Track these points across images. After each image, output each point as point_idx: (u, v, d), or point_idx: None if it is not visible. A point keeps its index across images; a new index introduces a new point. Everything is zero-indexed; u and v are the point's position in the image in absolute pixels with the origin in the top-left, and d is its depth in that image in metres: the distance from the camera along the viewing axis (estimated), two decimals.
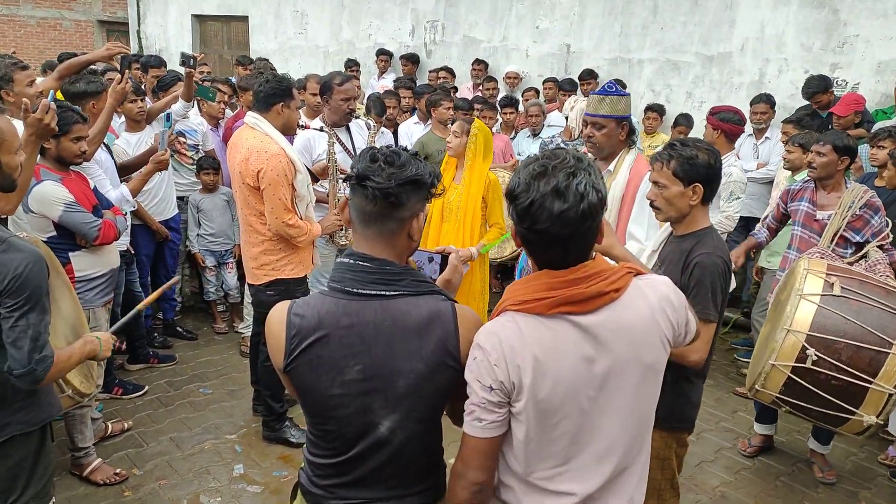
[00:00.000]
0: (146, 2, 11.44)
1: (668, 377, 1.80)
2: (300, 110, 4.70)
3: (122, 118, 4.51)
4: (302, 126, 4.21)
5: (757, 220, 5.17)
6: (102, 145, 3.74)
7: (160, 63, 5.63)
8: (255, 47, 10.03)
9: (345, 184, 1.60)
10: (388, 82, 7.87)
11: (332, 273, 1.56)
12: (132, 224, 4.04)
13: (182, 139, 4.91)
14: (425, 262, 1.84)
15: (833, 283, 2.59)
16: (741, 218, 4.55)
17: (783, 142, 4.98)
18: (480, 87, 7.17)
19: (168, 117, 4.69)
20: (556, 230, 1.39)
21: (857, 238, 3.44)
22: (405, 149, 1.57)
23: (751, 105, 5.55)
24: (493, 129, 5.89)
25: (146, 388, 4.18)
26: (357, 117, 4.19)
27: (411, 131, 6.00)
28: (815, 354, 2.49)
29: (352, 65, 8.11)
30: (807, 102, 5.74)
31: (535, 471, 1.48)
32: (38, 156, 2.83)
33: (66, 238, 3.10)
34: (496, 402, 1.43)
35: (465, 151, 3.94)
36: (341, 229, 3.97)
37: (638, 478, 1.56)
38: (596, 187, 1.41)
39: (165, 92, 4.95)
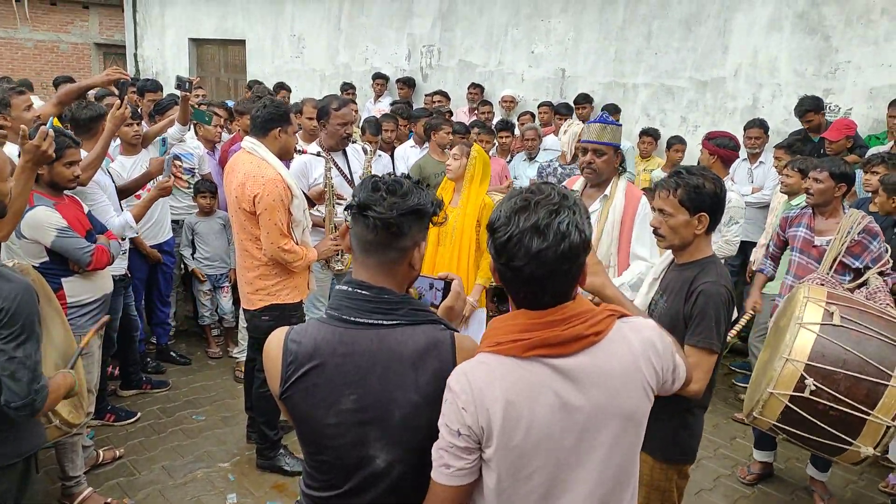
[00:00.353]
0: (143, 25, 11.52)
1: (669, 409, 1.79)
2: (296, 134, 4.72)
3: (118, 141, 4.51)
4: (299, 151, 4.22)
5: (753, 244, 5.19)
6: (103, 170, 3.74)
7: (156, 87, 5.65)
8: (251, 70, 10.09)
9: (345, 212, 1.58)
10: (384, 106, 7.92)
11: (331, 300, 1.54)
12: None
13: (178, 163, 4.90)
14: (426, 289, 1.82)
15: (833, 313, 2.58)
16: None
17: (776, 167, 5.02)
18: (476, 111, 7.21)
19: (163, 142, 4.69)
20: (533, 269, 1.32)
21: (857, 264, 3.42)
22: (408, 176, 1.56)
23: (745, 130, 5.58)
24: (490, 153, 5.91)
25: (138, 414, 4.13)
26: (354, 141, 4.19)
27: (408, 155, 6.01)
28: (814, 384, 2.47)
29: (348, 88, 8.16)
30: (799, 127, 5.80)
31: None
32: None
33: (59, 263, 3.07)
34: (464, 447, 1.36)
35: (464, 174, 3.95)
36: (337, 254, 3.95)
37: None
38: (579, 227, 1.34)
39: (162, 116, 4.96)
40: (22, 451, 2.02)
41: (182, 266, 5.31)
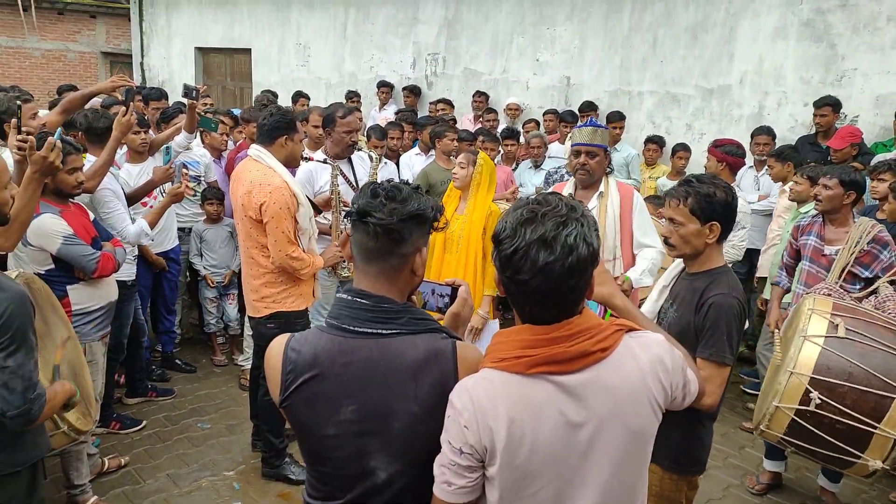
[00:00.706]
0: (149, 34, 11.60)
1: (680, 420, 1.76)
2: (302, 142, 4.73)
3: (124, 149, 4.52)
4: (305, 158, 4.22)
5: (757, 251, 5.17)
6: (113, 178, 3.75)
7: (161, 95, 5.67)
8: (257, 79, 10.14)
9: (345, 219, 1.57)
10: (389, 114, 7.93)
11: (331, 309, 1.53)
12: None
13: (185, 170, 4.91)
14: (429, 295, 1.80)
15: (837, 325, 2.56)
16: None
17: (770, 175, 4.99)
18: (481, 119, 7.21)
19: (168, 150, 4.70)
20: (539, 283, 1.28)
21: (867, 273, 3.38)
22: (406, 182, 1.55)
23: (752, 137, 5.58)
24: (495, 161, 5.91)
25: (144, 422, 4.12)
26: (359, 149, 4.19)
27: (413, 162, 6.01)
28: (819, 398, 2.45)
29: (353, 96, 8.18)
30: (805, 133, 5.78)
31: None
32: None
33: (64, 271, 3.07)
34: (465, 465, 1.33)
35: (470, 182, 3.95)
36: (343, 261, 3.95)
37: None
38: (587, 240, 1.30)
39: (168, 123, 4.97)
40: (26, 459, 2.01)
41: (187, 274, 5.32)
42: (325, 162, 4.08)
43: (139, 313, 4.26)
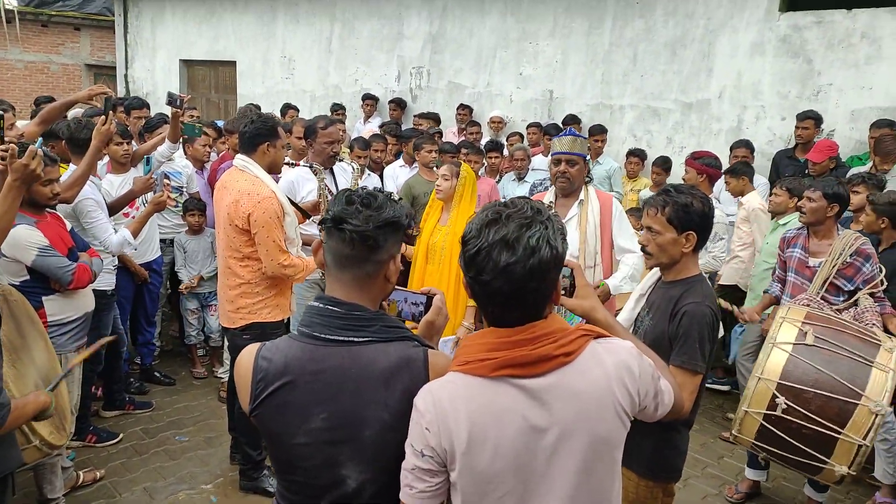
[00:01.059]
0: (134, 46, 11.58)
1: (654, 426, 1.77)
2: (285, 149, 4.73)
3: (105, 159, 4.50)
4: (291, 164, 4.22)
5: None
6: (96, 188, 3.73)
7: (142, 104, 5.66)
8: (242, 91, 10.14)
9: (319, 227, 1.57)
10: (374, 126, 7.96)
11: (303, 317, 1.52)
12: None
13: (166, 181, 4.89)
14: (403, 303, 1.80)
15: (807, 332, 2.62)
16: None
17: (728, 191, 5.01)
18: (465, 132, 7.26)
19: (148, 160, 4.69)
20: (500, 284, 1.27)
21: (849, 286, 3.39)
22: (380, 191, 1.55)
23: (731, 150, 5.66)
24: (479, 173, 5.95)
25: (120, 435, 4.06)
26: (341, 160, 4.21)
27: (397, 174, 6.04)
28: (785, 403, 2.50)
29: (338, 109, 8.20)
30: (783, 147, 5.88)
31: None
32: None
33: (40, 282, 3.05)
34: (426, 469, 1.33)
35: (453, 194, 3.97)
36: None
37: None
38: (551, 242, 1.29)
39: (151, 134, 4.96)
40: None
41: (168, 285, 5.28)
42: (311, 168, 4.08)
43: (118, 323, 4.22)
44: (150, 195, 4.09)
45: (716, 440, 4.44)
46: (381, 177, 6.04)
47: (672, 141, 6.67)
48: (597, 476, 1.35)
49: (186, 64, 11.05)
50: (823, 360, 2.53)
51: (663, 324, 2.21)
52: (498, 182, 6.34)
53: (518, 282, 1.27)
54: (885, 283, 3.37)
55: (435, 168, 4.89)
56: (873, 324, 3.12)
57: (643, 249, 2.35)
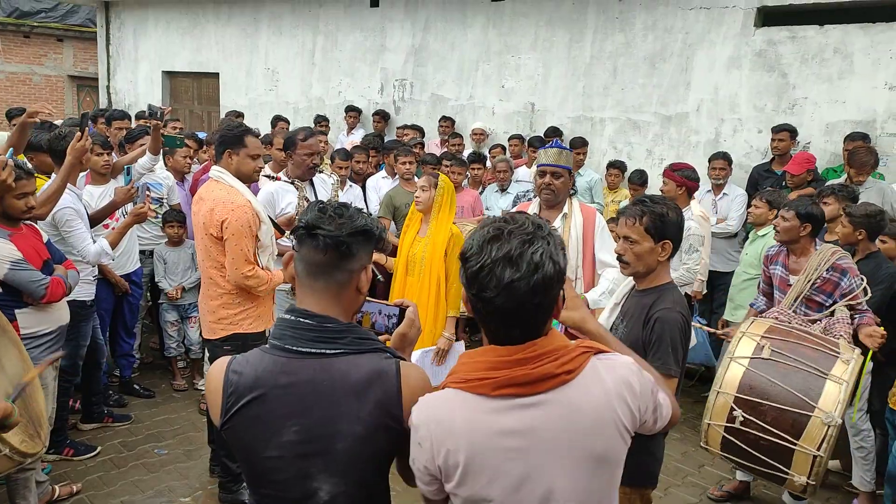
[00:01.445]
0: (116, 58, 11.54)
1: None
2: (267, 164, 4.74)
3: (87, 170, 4.47)
4: (272, 177, 4.22)
5: (718, 273, 5.31)
6: (76, 197, 3.70)
7: (123, 116, 5.64)
8: (225, 103, 10.13)
9: (290, 236, 1.57)
10: (356, 138, 7.99)
11: (274, 330, 1.52)
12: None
13: (147, 192, 4.87)
14: (377, 315, 1.81)
15: (763, 346, 2.69)
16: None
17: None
18: (447, 144, 7.31)
19: (128, 171, 4.67)
20: (503, 301, 1.26)
21: (829, 301, 3.36)
22: (351, 204, 1.57)
23: (709, 162, 5.75)
24: (463, 185, 5.99)
25: (98, 448, 4.01)
26: (321, 171, 4.22)
27: (380, 185, 6.06)
28: (743, 415, 2.57)
29: (321, 120, 8.22)
30: (761, 161, 5.98)
31: None
32: None
33: (12, 295, 3.02)
34: (425, 477, 1.37)
35: (432, 205, 3.99)
36: None
37: None
38: (554, 258, 1.29)
39: (132, 145, 4.94)
40: None
41: (148, 297, 5.25)
42: (293, 184, 4.09)
43: (98, 334, 4.18)
44: (130, 206, 4.08)
45: (697, 449, 4.46)
46: (363, 188, 6.06)
47: (652, 153, 6.75)
48: (596, 493, 1.35)
49: (169, 75, 11.03)
50: (779, 374, 2.59)
51: (637, 331, 2.25)
52: (481, 193, 6.38)
53: (521, 298, 1.27)
54: (869, 293, 3.35)
55: (414, 178, 4.92)
56: (841, 335, 3.15)
57: (619, 258, 2.39)
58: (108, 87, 11.72)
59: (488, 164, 6.74)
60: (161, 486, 3.71)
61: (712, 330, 4.34)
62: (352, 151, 5.95)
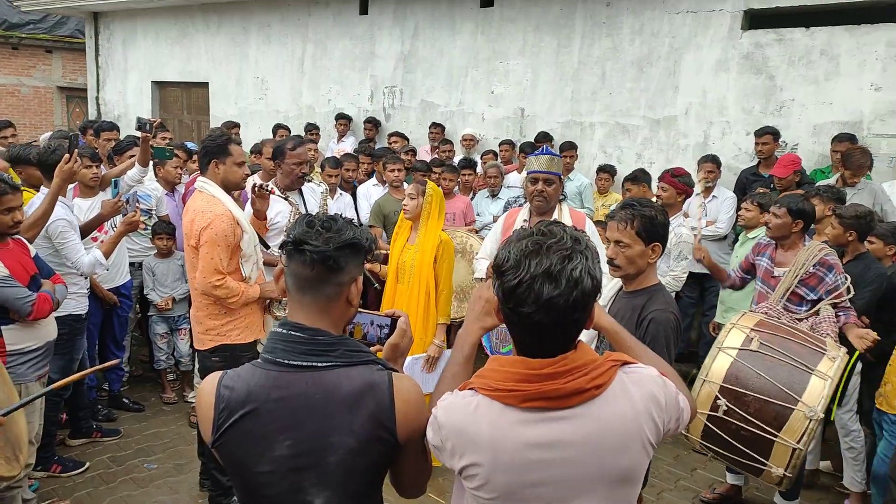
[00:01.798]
0: (105, 69, 11.51)
1: None
2: (257, 174, 4.72)
3: (76, 182, 4.44)
4: (267, 190, 4.20)
5: (706, 275, 5.30)
6: (69, 209, 3.69)
7: (112, 127, 5.62)
8: (215, 112, 10.11)
9: (280, 251, 1.57)
10: (347, 146, 7.98)
11: (265, 343, 1.51)
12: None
13: (137, 203, 4.84)
14: (369, 326, 1.81)
15: (752, 339, 2.74)
16: (691, 274, 4.65)
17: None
18: (437, 150, 7.31)
19: (116, 184, 4.65)
20: (540, 316, 1.26)
21: (812, 296, 3.44)
22: (341, 216, 1.56)
23: (699, 164, 5.76)
24: (453, 191, 5.98)
25: (87, 464, 3.98)
26: (310, 180, 4.21)
27: (370, 193, 6.06)
28: (726, 405, 2.61)
29: (312, 128, 8.21)
30: (749, 165, 5.99)
31: None
32: None
33: None
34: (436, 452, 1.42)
35: (420, 213, 3.98)
36: (279, 302, 3.64)
37: None
38: (592, 273, 1.29)
39: (121, 157, 4.92)
40: None
41: (138, 310, 5.21)
42: (286, 199, 4.07)
43: (85, 348, 4.14)
44: (118, 218, 4.05)
45: (689, 452, 4.46)
46: (353, 196, 6.06)
47: (641, 157, 6.77)
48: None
49: (159, 85, 11.00)
50: (765, 366, 2.64)
51: (630, 332, 2.25)
52: (472, 199, 6.38)
53: (560, 314, 1.27)
54: (852, 291, 3.41)
55: (402, 185, 4.91)
56: (828, 334, 3.19)
57: (610, 262, 2.41)
58: (97, 98, 11.68)
59: (479, 169, 6.74)
60: (150, 501, 3.68)
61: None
62: (341, 159, 5.94)
